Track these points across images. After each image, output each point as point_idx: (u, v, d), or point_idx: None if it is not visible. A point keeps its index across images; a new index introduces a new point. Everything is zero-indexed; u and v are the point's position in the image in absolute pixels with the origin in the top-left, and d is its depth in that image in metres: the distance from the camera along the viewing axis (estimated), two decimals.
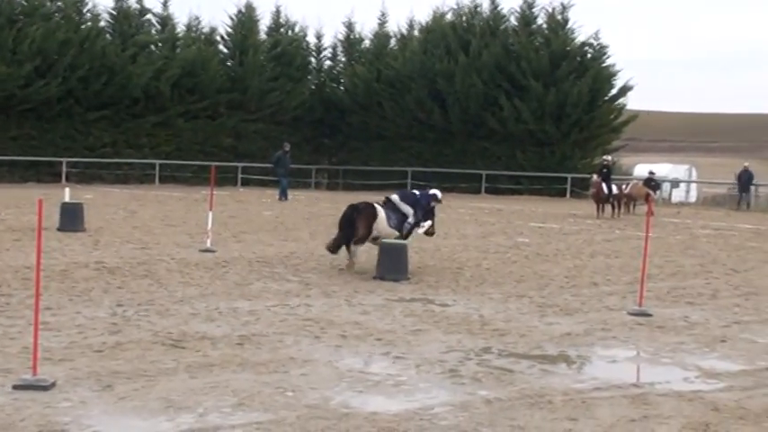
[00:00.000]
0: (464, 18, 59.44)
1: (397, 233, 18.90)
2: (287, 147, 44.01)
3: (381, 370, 10.54)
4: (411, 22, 61.97)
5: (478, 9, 59.36)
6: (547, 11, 57.48)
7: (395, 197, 19.39)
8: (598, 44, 57.08)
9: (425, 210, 19.60)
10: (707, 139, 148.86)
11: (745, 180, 49.03)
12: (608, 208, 37.74)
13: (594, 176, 38.57)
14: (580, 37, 57.24)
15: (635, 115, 59.72)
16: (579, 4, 65.06)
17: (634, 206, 39.73)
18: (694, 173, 65.46)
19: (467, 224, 31.21)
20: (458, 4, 59.85)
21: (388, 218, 18.81)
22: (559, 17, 56.99)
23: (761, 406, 9.58)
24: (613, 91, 57.19)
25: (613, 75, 57.18)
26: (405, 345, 11.86)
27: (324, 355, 11.12)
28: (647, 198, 37.13)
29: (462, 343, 12.10)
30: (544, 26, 57.60)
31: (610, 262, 21.81)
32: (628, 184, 40.93)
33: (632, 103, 61.93)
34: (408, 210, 19.27)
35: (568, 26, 57.13)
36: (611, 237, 28.81)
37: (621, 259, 22.34)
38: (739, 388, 10.37)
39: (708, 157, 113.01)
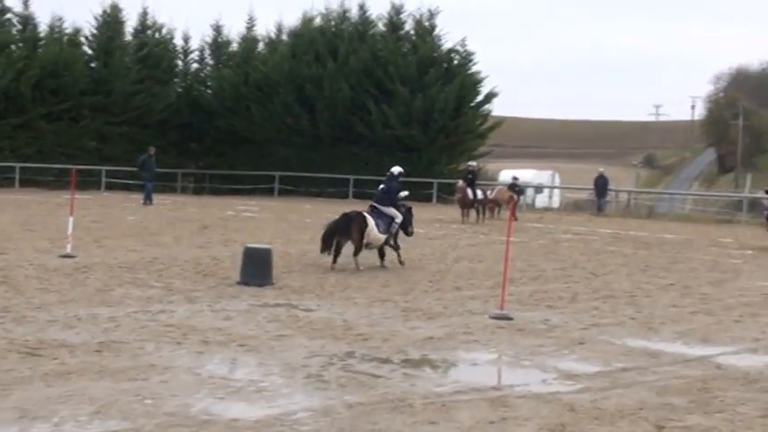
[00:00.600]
0: (333, 23, 59.56)
1: (386, 236, 20.91)
2: (152, 150, 43.44)
3: (244, 376, 10.47)
4: (279, 25, 61.94)
5: (347, 14, 59.58)
6: (414, 17, 58.03)
7: (377, 204, 21.32)
8: (464, 51, 57.84)
9: (398, 192, 21.97)
10: (571, 146, 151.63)
11: (600, 185, 50.10)
12: (473, 213, 38.16)
13: (460, 182, 38.93)
14: (447, 44, 57.97)
15: (500, 121, 60.61)
16: (447, 11, 65.77)
17: (499, 211, 40.27)
18: (557, 178, 66.72)
19: None
20: (326, 9, 59.96)
21: (378, 225, 20.62)
22: (427, 24, 57.57)
23: (615, 406, 9.78)
24: (479, 97, 57.98)
25: (479, 81, 57.99)
26: (268, 350, 11.80)
27: (185, 361, 10.99)
28: (510, 202, 37.64)
29: (326, 348, 12.09)
30: (412, 32, 58.07)
31: (473, 266, 22.05)
32: (493, 190, 41.45)
33: (498, 109, 62.80)
34: (393, 212, 21.36)
35: (436, 33, 57.78)
36: (476, 241, 29.15)
37: (485, 264, 22.61)
38: (596, 389, 10.58)
39: (571, 163, 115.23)
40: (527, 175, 61.06)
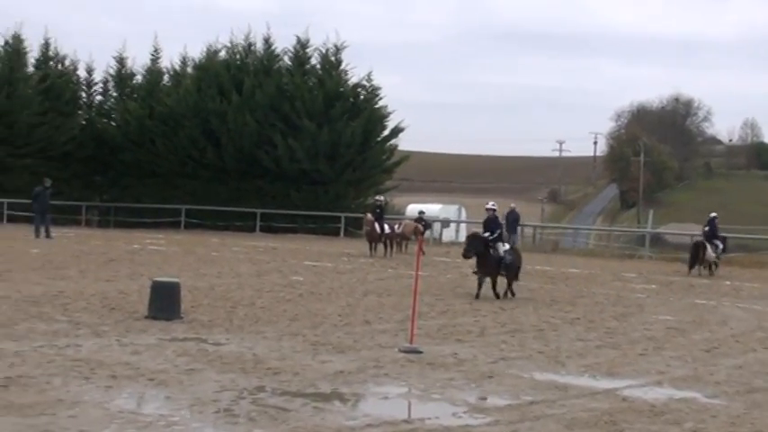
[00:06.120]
0: (238, 56, 59.38)
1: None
2: (47, 183, 42.09)
3: (153, 411, 10.38)
4: (184, 58, 61.41)
5: (252, 48, 59.42)
6: (321, 51, 58.09)
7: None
8: (371, 86, 58.04)
9: None
10: (477, 181, 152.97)
11: (511, 220, 50.39)
12: (381, 247, 38.24)
13: (368, 215, 39.02)
14: (353, 78, 58.09)
15: (407, 156, 60.92)
16: (353, 45, 65.81)
17: (406, 245, 40.38)
18: (464, 213, 67.09)
19: (241, 263, 31.09)
20: (231, 42, 59.73)
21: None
22: (333, 58, 57.68)
23: None
24: (386, 132, 58.19)
25: (386, 116, 58.20)
26: (177, 385, 11.71)
27: (94, 396, 10.86)
28: (416, 235, 37.76)
29: (236, 382, 12.03)
30: (318, 66, 58.17)
31: (382, 300, 22.10)
32: (400, 224, 41.58)
33: (404, 144, 62.97)
34: None
35: (342, 67, 57.90)
36: (384, 275, 29.20)
37: (393, 297, 22.65)
38: (505, 422, 10.68)
39: (478, 197, 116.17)
40: (434, 209, 61.32)
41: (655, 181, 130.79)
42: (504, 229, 43.22)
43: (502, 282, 23.77)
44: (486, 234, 24.26)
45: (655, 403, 12.08)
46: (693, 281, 31.79)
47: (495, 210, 25.22)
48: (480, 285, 23.42)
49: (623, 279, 31.66)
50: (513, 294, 23.85)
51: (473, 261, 23.89)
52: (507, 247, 24.58)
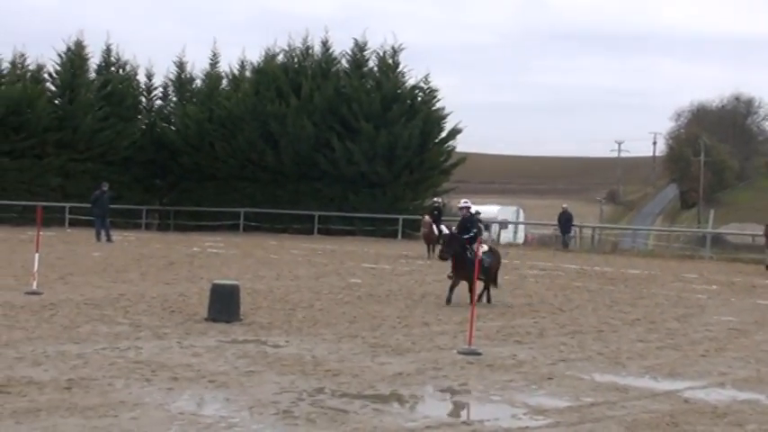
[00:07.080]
0: (296, 60, 59.59)
1: None
2: (104, 186, 42.38)
3: (214, 412, 10.45)
4: (243, 62, 61.78)
5: (310, 51, 59.60)
6: (378, 54, 58.13)
7: None
8: (428, 87, 57.97)
9: None
10: (535, 182, 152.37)
11: (564, 221, 50.21)
12: (439, 249, 38.15)
13: (426, 217, 38.98)
14: (411, 80, 58.06)
15: (464, 157, 60.80)
16: (410, 48, 65.99)
17: None
18: (522, 214, 66.94)
19: (300, 265, 31.21)
20: (289, 46, 59.97)
21: None
22: (390, 60, 57.69)
23: None
24: (443, 134, 58.08)
25: (443, 118, 58.09)
26: (238, 386, 11.78)
27: (155, 398, 10.96)
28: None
29: (295, 384, 12.08)
30: (375, 69, 58.20)
31: (441, 302, 22.03)
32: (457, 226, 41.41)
33: (462, 145, 62.83)
34: None
35: (399, 69, 57.88)
36: (442, 277, 29.06)
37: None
38: (565, 424, 10.63)
39: (536, 199, 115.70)
40: (492, 210, 61.20)
41: (715, 181, 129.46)
42: (559, 230, 41.64)
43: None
44: (457, 232, 23.03)
45: (717, 405, 11.96)
46: (756, 281, 31.44)
47: (469, 207, 23.75)
48: (452, 290, 21.76)
49: (684, 280, 31.39)
50: (488, 300, 22.16)
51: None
52: (485, 248, 22.16)
